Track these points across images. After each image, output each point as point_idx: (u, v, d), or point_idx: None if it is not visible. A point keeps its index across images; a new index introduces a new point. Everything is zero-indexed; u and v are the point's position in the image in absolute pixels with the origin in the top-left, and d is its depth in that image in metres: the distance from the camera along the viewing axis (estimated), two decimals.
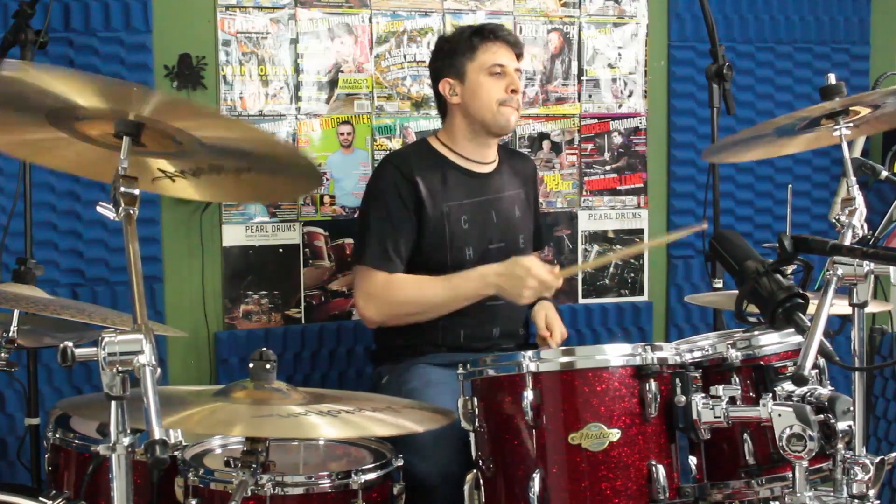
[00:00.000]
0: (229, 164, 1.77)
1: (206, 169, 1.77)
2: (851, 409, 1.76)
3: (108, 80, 1.58)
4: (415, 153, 2.79)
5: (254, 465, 1.80)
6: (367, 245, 2.63)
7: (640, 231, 3.51)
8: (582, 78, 3.41)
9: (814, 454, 1.67)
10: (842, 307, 1.88)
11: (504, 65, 2.68)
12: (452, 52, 2.73)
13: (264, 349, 1.87)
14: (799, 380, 1.65)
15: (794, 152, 2.31)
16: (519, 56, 2.75)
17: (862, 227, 1.92)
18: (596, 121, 3.44)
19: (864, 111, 2.04)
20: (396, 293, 2.60)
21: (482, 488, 1.98)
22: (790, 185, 2.39)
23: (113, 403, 1.42)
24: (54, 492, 2.08)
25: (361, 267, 2.63)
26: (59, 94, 1.50)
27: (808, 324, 1.70)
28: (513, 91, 2.68)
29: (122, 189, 1.54)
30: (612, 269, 3.48)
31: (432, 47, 3.13)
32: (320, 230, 3.16)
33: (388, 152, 3.06)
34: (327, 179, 3.14)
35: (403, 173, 2.65)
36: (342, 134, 3.16)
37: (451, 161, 2.74)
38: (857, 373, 1.88)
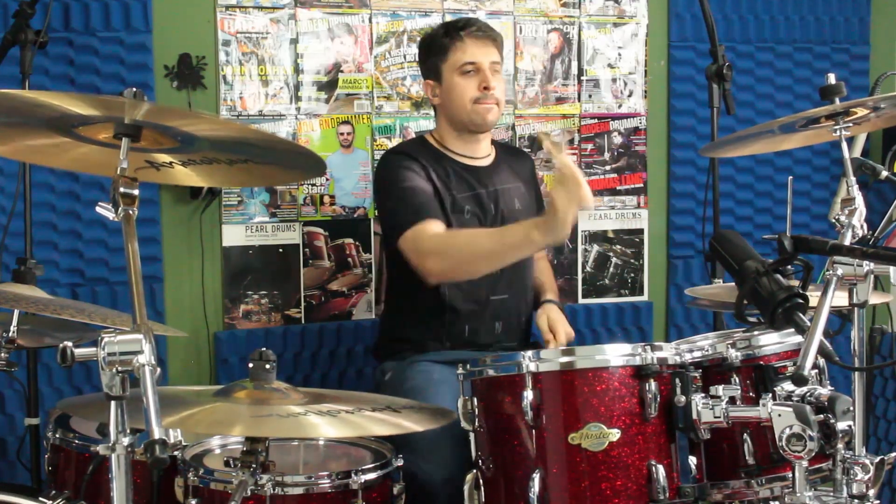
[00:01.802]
0: (231, 156, 1.80)
1: (208, 159, 1.79)
2: (851, 409, 1.76)
3: (99, 97, 1.61)
4: (416, 146, 2.80)
5: (254, 465, 1.80)
6: (399, 214, 2.58)
7: (641, 231, 3.51)
8: (582, 78, 3.41)
9: (814, 454, 1.67)
10: (842, 299, 1.87)
11: (475, 61, 2.65)
12: (428, 54, 2.74)
13: (264, 349, 1.88)
14: (799, 380, 1.65)
15: (791, 147, 2.31)
16: (496, 46, 2.70)
17: (862, 227, 1.92)
18: (596, 121, 3.44)
19: (864, 111, 2.04)
20: (451, 242, 2.52)
21: (482, 488, 1.98)
22: (790, 178, 2.38)
23: (113, 403, 1.42)
24: (54, 492, 2.09)
25: (407, 232, 2.54)
26: (56, 107, 1.54)
27: (808, 324, 1.70)
28: (485, 88, 2.65)
29: (122, 189, 1.55)
30: (611, 270, 3.48)
31: None
32: (320, 230, 3.16)
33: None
34: (327, 179, 3.14)
35: (412, 159, 2.67)
36: (342, 134, 3.17)
37: (447, 156, 2.75)
38: (856, 373, 1.88)
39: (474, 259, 2.46)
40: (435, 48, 2.70)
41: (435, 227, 2.55)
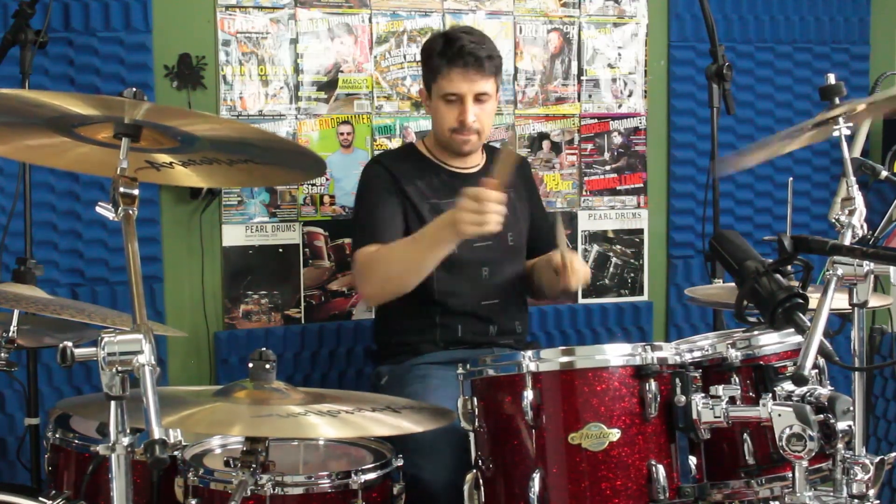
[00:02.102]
0: (232, 156, 1.81)
1: (208, 159, 1.80)
2: (851, 409, 1.76)
3: (99, 97, 1.62)
4: (400, 154, 2.84)
5: (253, 465, 1.80)
6: (356, 235, 2.67)
7: (641, 231, 3.51)
8: (582, 78, 3.41)
9: (814, 454, 1.67)
10: (841, 301, 1.87)
11: (458, 93, 2.61)
12: (424, 65, 2.73)
13: (264, 349, 1.88)
14: (799, 380, 1.65)
15: (795, 149, 2.31)
16: (488, 74, 2.62)
17: (862, 227, 1.92)
18: (596, 121, 3.44)
19: (861, 106, 2.04)
20: (374, 262, 2.54)
21: (482, 488, 1.98)
22: (791, 179, 2.39)
23: (112, 403, 1.42)
24: (54, 492, 2.09)
25: (354, 255, 2.63)
26: (56, 107, 1.54)
27: (808, 324, 1.70)
28: (461, 122, 2.63)
29: (122, 189, 1.55)
30: (611, 269, 3.49)
31: None
32: (320, 230, 3.16)
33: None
34: (327, 179, 3.14)
35: (389, 170, 2.69)
36: (342, 134, 3.17)
37: (434, 163, 2.76)
38: (856, 373, 1.88)
39: (397, 271, 2.48)
40: (429, 65, 2.68)
41: (370, 252, 2.56)
